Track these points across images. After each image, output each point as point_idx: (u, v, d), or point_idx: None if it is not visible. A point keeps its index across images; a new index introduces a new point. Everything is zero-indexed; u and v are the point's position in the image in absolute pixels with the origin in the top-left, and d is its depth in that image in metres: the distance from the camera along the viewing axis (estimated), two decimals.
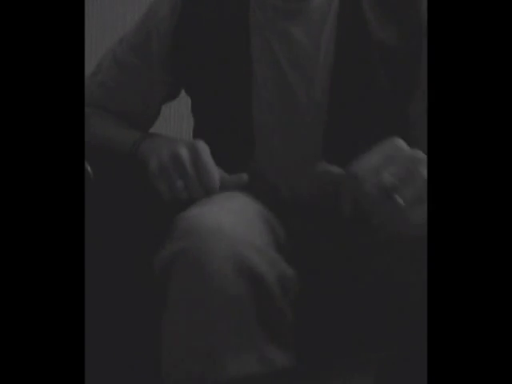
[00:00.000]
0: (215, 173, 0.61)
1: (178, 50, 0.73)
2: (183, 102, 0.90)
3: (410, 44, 0.64)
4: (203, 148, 0.61)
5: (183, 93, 0.86)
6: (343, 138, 0.67)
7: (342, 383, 0.55)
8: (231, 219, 0.55)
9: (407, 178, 0.50)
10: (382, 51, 0.64)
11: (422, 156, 0.51)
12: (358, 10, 0.64)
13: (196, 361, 0.52)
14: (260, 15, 0.68)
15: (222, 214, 0.55)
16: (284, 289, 0.56)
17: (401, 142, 0.54)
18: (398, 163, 0.51)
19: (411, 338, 0.70)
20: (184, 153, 0.61)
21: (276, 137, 0.70)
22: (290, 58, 0.67)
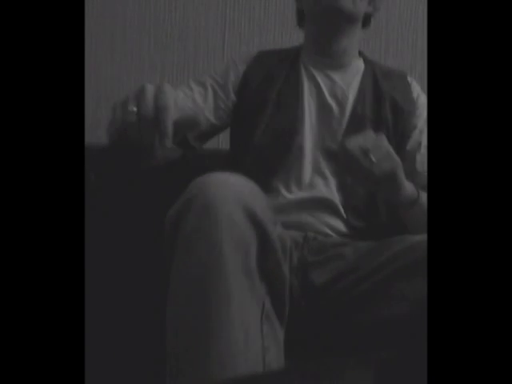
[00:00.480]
0: (171, 107, 0.57)
1: (240, 99, 0.98)
2: None
3: (407, 101, 0.98)
4: (169, 89, 0.59)
5: None
6: None
7: (341, 382, 0.54)
8: (238, 178, 0.61)
9: (375, 146, 0.77)
10: (389, 99, 0.97)
11: (383, 138, 0.80)
12: (374, 75, 1.00)
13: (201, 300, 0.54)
14: (310, 66, 1.00)
15: (229, 175, 0.61)
16: (283, 250, 0.60)
17: (371, 131, 0.81)
18: (370, 139, 0.78)
19: (411, 337, 0.70)
20: (149, 86, 0.59)
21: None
22: (331, 92, 0.97)
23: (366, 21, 1.02)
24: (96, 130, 1.39)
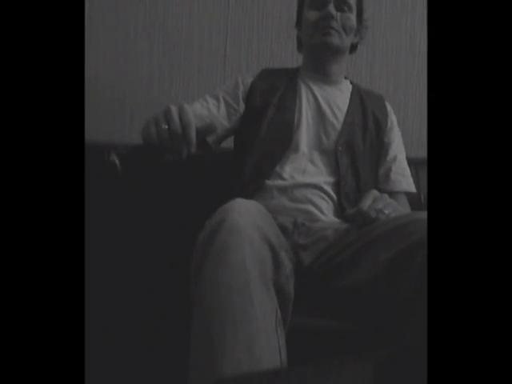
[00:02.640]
0: (193, 123, 0.74)
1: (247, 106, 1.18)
2: None
3: (384, 126, 1.21)
4: (188, 108, 0.76)
5: None
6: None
7: (341, 381, 0.55)
8: (256, 207, 0.78)
9: (386, 204, 0.94)
10: (371, 113, 1.19)
11: (387, 197, 0.97)
12: (360, 94, 1.23)
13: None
14: (308, 80, 1.20)
15: (249, 203, 0.78)
16: (290, 269, 0.73)
17: (376, 192, 0.99)
18: (379, 199, 0.95)
19: (411, 337, 0.70)
20: (173, 107, 0.77)
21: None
22: (325, 100, 1.17)
23: (353, 48, 1.25)
24: (96, 130, 1.40)
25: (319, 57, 1.19)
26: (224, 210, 0.74)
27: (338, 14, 1.15)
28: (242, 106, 1.17)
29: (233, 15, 1.57)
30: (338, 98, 1.18)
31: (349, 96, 1.20)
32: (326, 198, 1.05)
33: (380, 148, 1.19)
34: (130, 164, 1.13)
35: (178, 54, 1.56)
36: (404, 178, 1.17)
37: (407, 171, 1.20)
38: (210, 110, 1.14)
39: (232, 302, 0.63)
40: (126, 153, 1.16)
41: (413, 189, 1.19)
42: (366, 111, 1.18)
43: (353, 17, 1.17)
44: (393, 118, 1.24)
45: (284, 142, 1.09)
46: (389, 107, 1.25)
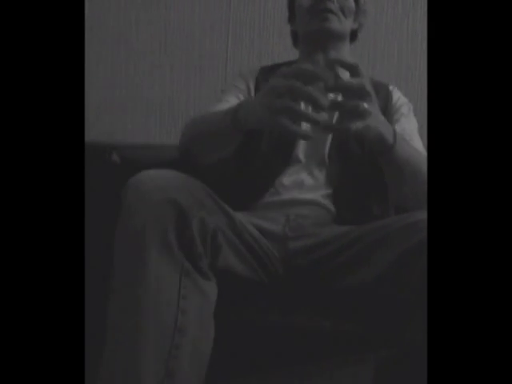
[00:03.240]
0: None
1: None
2: None
3: (383, 111, 0.97)
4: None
5: None
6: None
7: (341, 380, 0.55)
8: (169, 173, 0.76)
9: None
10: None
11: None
12: None
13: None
14: None
15: (163, 171, 0.76)
16: (200, 230, 0.71)
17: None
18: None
19: (411, 336, 0.70)
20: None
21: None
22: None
23: (353, 36, 1.15)
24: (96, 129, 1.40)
25: (317, 46, 1.09)
26: (133, 178, 0.74)
27: None
28: None
29: (234, 15, 1.57)
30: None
31: None
32: (324, 212, 0.99)
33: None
34: (131, 164, 1.13)
35: (180, 54, 1.56)
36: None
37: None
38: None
39: (126, 265, 0.67)
40: (127, 153, 1.15)
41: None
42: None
43: None
44: (400, 101, 1.12)
45: (283, 158, 1.03)
46: (396, 94, 1.13)
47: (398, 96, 1.13)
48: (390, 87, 1.14)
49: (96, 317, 0.71)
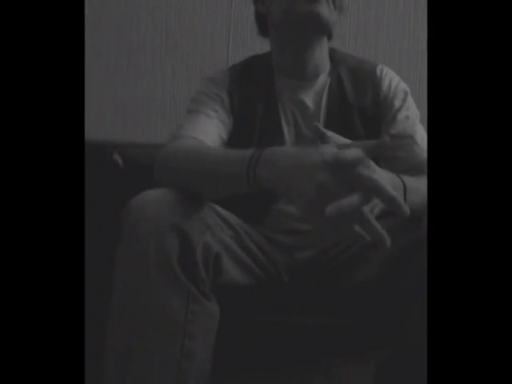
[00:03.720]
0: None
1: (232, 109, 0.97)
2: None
3: (375, 104, 0.96)
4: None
5: None
6: None
7: (342, 379, 0.55)
8: (170, 197, 0.72)
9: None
10: (357, 109, 0.95)
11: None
12: (340, 86, 0.98)
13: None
14: (284, 90, 0.98)
15: (165, 192, 0.73)
16: (203, 254, 0.70)
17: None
18: None
19: (411, 336, 0.70)
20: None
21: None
22: (302, 115, 0.96)
23: (330, 36, 1.00)
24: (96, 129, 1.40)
25: (296, 36, 0.92)
26: (135, 200, 0.71)
27: None
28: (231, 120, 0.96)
29: (235, 15, 1.57)
30: (316, 106, 0.95)
31: (325, 98, 0.96)
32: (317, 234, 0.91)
33: (383, 126, 0.94)
34: (132, 163, 1.13)
35: (181, 54, 1.55)
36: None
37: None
38: (224, 124, 0.93)
39: (129, 290, 0.66)
40: (128, 152, 1.15)
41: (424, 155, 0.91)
42: (350, 111, 0.94)
43: None
44: (392, 91, 0.96)
45: None
46: (385, 79, 0.97)
47: (387, 83, 0.97)
48: (378, 71, 0.98)
49: (96, 317, 0.71)
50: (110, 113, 1.55)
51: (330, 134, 0.74)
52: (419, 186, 0.77)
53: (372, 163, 0.63)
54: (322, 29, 0.91)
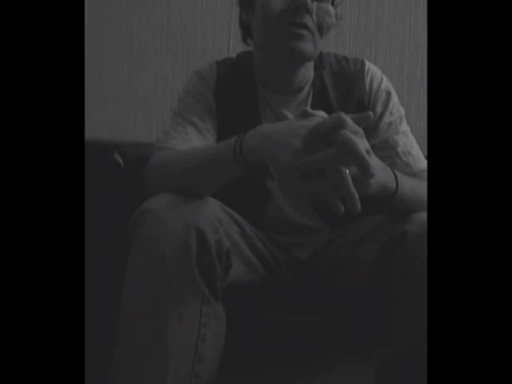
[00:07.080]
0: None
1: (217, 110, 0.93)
2: None
3: (361, 109, 0.88)
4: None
5: None
6: None
7: (342, 379, 0.55)
8: (187, 199, 0.73)
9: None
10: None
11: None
12: (324, 94, 0.93)
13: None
14: (266, 106, 0.94)
15: (180, 195, 0.73)
16: (218, 253, 0.70)
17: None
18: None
19: (411, 335, 0.70)
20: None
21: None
22: None
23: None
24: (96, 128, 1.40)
25: (280, 64, 0.89)
26: (154, 199, 0.71)
27: (315, 4, 0.82)
28: (214, 123, 0.93)
29: (236, 13, 1.56)
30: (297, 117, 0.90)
31: (309, 107, 0.89)
32: (313, 232, 0.94)
33: (370, 133, 0.89)
34: (133, 163, 1.13)
35: (181, 53, 1.55)
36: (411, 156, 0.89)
37: (415, 149, 0.91)
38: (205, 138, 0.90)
39: (144, 294, 0.66)
40: (129, 152, 1.16)
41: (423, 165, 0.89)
42: (329, 108, 0.90)
43: (332, 9, 0.85)
44: (372, 85, 0.93)
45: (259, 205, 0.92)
46: (368, 79, 0.94)
47: (369, 86, 0.94)
48: (363, 72, 0.95)
49: (96, 317, 0.71)
50: (111, 112, 1.55)
51: (318, 113, 0.69)
52: (410, 182, 0.78)
53: (361, 130, 0.61)
54: (307, 61, 0.89)
